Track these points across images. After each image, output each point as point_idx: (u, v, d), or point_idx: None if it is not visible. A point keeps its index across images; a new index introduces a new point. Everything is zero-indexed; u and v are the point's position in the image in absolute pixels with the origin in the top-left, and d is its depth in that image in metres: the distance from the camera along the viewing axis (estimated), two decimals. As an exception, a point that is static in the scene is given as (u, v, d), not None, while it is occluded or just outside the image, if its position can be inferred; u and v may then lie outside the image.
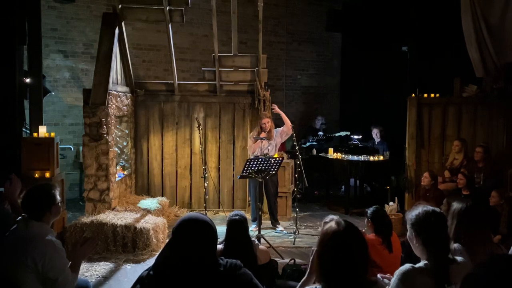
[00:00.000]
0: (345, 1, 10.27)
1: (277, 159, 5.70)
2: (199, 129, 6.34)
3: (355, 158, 7.66)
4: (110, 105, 5.88)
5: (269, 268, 3.73)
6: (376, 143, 8.43)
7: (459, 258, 2.29)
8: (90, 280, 4.35)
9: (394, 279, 2.16)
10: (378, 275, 2.68)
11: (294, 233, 6.13)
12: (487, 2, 6.73)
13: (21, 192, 3.26)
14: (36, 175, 5.24)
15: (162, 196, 7.15)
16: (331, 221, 1.95)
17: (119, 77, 6.61)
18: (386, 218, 3.75)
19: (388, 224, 3.68)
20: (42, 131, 5.44)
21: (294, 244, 5.82)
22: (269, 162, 5.56)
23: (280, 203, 6.74)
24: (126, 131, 7.07)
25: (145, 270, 2.01)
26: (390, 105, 9.05)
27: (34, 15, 5.65)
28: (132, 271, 4.83)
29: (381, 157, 7.68)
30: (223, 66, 7.19)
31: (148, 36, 8.83)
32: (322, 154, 8.26)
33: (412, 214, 2.30)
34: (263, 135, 6.29)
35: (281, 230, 6.39)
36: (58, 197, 2.89)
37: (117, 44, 6.38)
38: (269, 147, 6.32)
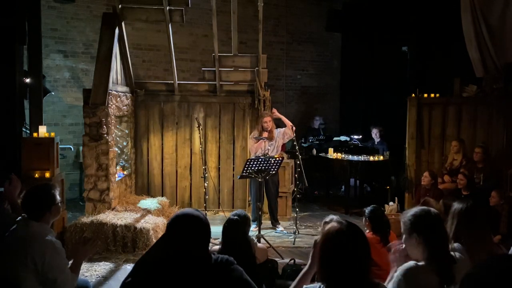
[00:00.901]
0: (345, 1, 10.27)
1: (277, 159, 5.70)
2: (199, 129, 6.33)
3: (355, 158, 7.66)
4: (110, 105, 5.88)
5: (268, 268, 3.73)
6: (376, 143, 8.44)
7: (457, 254, 2.29)
8: (90, 280, 4.35)
9: (397, 275, 2.16)
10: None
11: (294, 233, 6.13)
12: (487, 2, 6.73)
13: (21, 192, 3.26)
14: (36, 175, 5.23)
15: (162, 196, 7.15)
16: (334, 221, 1.94)
17: (119, 77, 6.61)
18: (383, 217, 3.79)
19: (385, 223, 3.71)
20: (42, 131, 5.43)
21: (294, 244, 5.82)
22: (269, 162, 5.56)
23: (280, 203, 6.74)
24: (126, 131, 7.07)
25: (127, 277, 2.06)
26: (390, 105, 9.05)
27: (34, 15, 5.65)
28: (132, 271, 4.82)
29: (381, 157, 7.68)
30: (223, 66, 7.19)
31: (148, 36, 8.83)
32: (322, 154, 8.27)
33: (409, 214, 2.30)
34: (264, 134, 6.29)
35: (281, 230, 6.39)
36: (58, 197, 2.90)
37: (117, 44, 6.38)
38: (269, 147, 6.32)
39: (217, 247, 3.43)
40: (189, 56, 9.34)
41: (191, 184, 7.42)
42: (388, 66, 9.30)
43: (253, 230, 5.86)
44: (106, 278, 4.65)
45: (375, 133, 8.47)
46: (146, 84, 7.40)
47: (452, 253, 2.30)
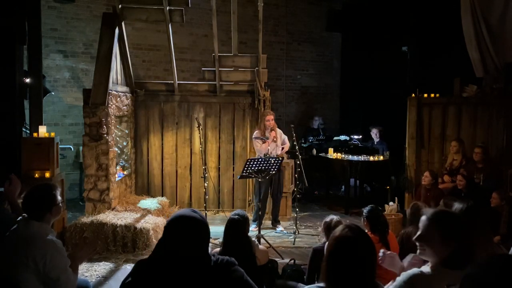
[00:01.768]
0: (345, 1, 10.28)
1: (277, 159, 5.70)
2: (199, 129, 6.33)
3: (355, 158, 7.67)
4: (110, 105, 5.88)
5: (268, 268, 3.74)
6: (375, 143, 8.44)
7: None
8: (90, 280, 4.34)
9: (399, 281, 2.09)
10: (381, 251, 2.65)
11: (294, 233, 6.13)
12: (487, 2, 6.74)
13: (21, 192, 3.26)
14: (36, 175, 5.23)
15: (162, 196, 7.15)
16: (344, 226, 1.93)
17: (119, 77, 6.61)
18: (381, 217, 3.78)
19: (383, 223, 3.71)
20: (42, 131, 5.43)
21: (294, 244, 5.82)
22: (269, 162, 5.56)
23: (280, 203, 6.74)
24: (126, 131, 7.07)
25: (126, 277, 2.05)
26: (390, 105, 9.05)
27: (34, 15, 5.64)
28: (132, 271, 4.82)
29: (381, 157, 7.69)
30: (223, 66, 7.19)
31: (148, 36, 8.83)
32: (322, 154, 8.27)
33: (431, 211, 2.18)
34: (270, 134, 6.31)
35: (281, 230, 6.39)
36: (59, 198, 2.90)
37: (117, 44, 6.38)
38: (269, 147, 6.33)
39: (218, 249, 3.43)
40: (189, 56, 9.34)
41: (191, 184, 7.42)
42: (388, 66, 9.30)
43: (253, 230, 5.86)
44: (106, 278, 4.65)
45: (374, 133, 8.47)
46: (146, 84, 7.40)
47: None
